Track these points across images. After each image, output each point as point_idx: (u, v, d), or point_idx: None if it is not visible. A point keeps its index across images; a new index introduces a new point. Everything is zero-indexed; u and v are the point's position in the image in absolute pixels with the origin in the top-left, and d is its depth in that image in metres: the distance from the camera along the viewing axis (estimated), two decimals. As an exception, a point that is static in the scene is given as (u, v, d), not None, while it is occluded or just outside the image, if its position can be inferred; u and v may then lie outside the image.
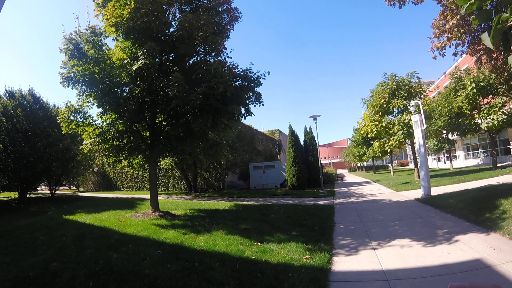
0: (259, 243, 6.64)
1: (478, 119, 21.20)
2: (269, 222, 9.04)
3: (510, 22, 2.48)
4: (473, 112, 21.66)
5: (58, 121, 10.16)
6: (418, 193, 13.03)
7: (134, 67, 9.09)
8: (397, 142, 19.47)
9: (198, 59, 10.85)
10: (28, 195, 16.74)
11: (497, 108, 19.53)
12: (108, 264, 5.01)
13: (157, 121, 10.88)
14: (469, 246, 5.61)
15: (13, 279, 4.42)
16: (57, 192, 19.70)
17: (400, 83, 20.07)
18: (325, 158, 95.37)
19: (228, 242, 6.66)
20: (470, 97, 20.54)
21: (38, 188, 23.09)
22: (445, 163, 40.27)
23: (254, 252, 5.98)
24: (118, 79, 9.64)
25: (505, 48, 2.63)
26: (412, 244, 6.22)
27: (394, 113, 20.87)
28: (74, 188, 32.77)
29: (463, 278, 4.31)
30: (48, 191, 19.36)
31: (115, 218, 9.39)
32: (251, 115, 10.44)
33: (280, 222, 8.97)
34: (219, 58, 10.77)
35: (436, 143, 31.09)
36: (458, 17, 8.85)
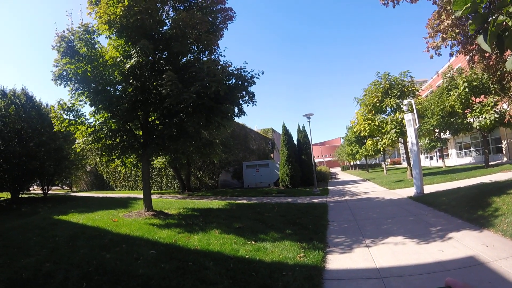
0: (253, 242, 6.63)
1: (470, 118, 21.41)
2: (263, 220, 9.04)
3: (505, 25, 2.49)
4: (466, 111, 21.87)
5: (51, 119, 10.04)
6: (411, 191, 13.10)
7: (127, 66, 8.98)
8: (390, 140, 19.59)
9: (192, 57, 10.80)
10: (20, 195, 16.50)
11: (489, 107, 19.76)
12: (101, 264, 4.96)
13: (150, 120, 10.80)
14: (462, 244, 5.65)
15: (6, 281, 4.35)
16: (49, 192, 19.45)
17: (393, 82, 20.21)
18: (318, 156, 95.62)
19: (222, 241, 6.64)
20: (463, 96, 20.77)
21: (31, 188, 22.79)
22: (437, 161, 40.57)
23: (248, 251, 5.97)
24: (111, 77, 9.53)
25: (499, 50, 2.64)
26: (406, 241, 6.26)
27: (387, 112, 21.02)
28: (66, 188, 32.44)
29: (456, 275, 4.33)
30: (40, 191, 19.14)
31: (108, 218, 9.31)
32: (244, 114, 10.43)
33: (274, 221, 8.98)
34: (213, 56, 10.73)
35: (428, 141, 31.29)
36: (452, 17, 8.86)
